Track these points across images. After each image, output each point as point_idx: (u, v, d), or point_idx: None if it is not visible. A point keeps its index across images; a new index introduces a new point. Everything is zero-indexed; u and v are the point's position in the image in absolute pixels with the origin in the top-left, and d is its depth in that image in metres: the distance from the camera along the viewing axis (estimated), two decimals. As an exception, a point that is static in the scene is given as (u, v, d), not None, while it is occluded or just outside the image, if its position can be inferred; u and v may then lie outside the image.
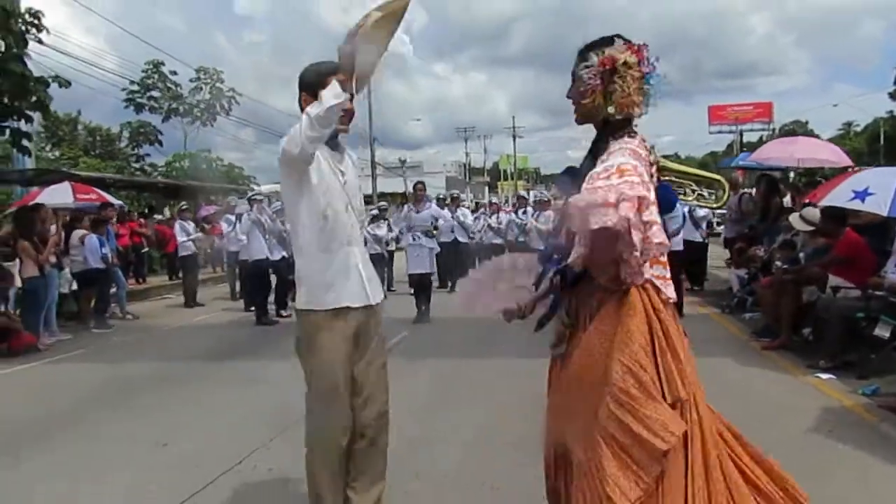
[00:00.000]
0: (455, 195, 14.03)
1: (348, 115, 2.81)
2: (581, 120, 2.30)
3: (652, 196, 2.01)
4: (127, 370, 7.16)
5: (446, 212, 12.69)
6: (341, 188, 2.86)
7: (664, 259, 2.19)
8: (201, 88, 31.73)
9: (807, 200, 8.09)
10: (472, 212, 14.54)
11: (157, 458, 4.32)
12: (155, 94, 30.71)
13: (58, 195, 11.51)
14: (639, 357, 2.00)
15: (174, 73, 30.63)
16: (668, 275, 2.18)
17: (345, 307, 2.82)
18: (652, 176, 2.20)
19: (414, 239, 9.37)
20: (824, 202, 6.83)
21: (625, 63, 2.14)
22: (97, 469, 4.14)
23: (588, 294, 2.20)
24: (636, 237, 1.90)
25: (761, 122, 53.10)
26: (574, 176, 2.25)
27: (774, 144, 11.86)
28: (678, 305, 8.85)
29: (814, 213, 7.10)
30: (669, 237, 7.66)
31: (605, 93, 2.17)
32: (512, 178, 72.84)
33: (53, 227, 9.49)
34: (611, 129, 2.21)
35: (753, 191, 10.78)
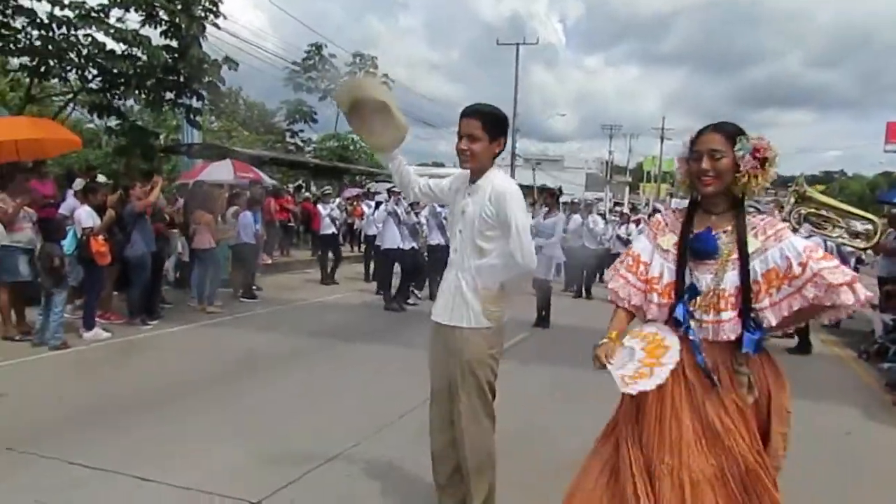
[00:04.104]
0: (589, 202, 14.01)
1: (466, 155, 3.09)
2: (715, 190, 2.46)
3: None
4: (264, 342, 7.87)
5: (577, 217, 12.74)
6: (460, 217, 3.15)
7: None
8: (356, 73, 33.16)
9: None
10: (603, 217, 14.46)
11: (286, 427, 4.85)
12: (313, 75, 32.41)
13: (220, 171, 12.63)
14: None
15: (333, 55, 32.18)
16: None
17: (433, 319, 3.24)
18: None
19: (537, 246, 9.47)
20: None
21: (775, 156, 2.41)
22: (229, 432, 4.69)
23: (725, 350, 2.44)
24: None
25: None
26: (710, 242, 2.46)
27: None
28: (806, 343, 8.44)
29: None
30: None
31: (752, 177, 2.40)
32: (655, 181, 70.55)
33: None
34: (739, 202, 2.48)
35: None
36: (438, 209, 11.66)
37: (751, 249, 2.39)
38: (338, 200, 14.23)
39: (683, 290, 2.45)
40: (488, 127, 3.04)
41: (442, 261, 11.89)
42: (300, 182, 23.11)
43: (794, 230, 9.39)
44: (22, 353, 6.83)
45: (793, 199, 11.35)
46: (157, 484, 3.79)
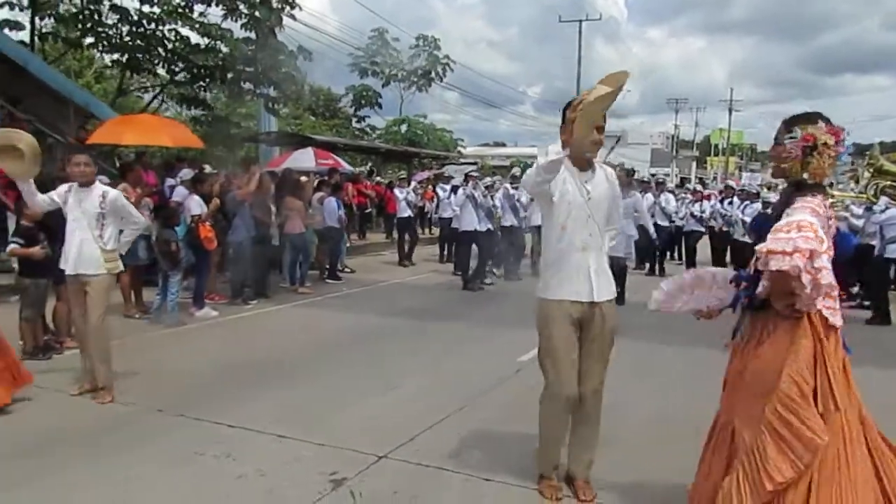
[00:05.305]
0: (661, 180, 14.14)
1: (598, 144, 3.38)
2: (776, 175, 2.85)
3: (824, 247, 2.52)
4: (356, 320, 8.45)
5: (649, 196, 12.93)
6: (584, 203, 3.42)
7: (835, 294, 2.71)
8: (419, 55, 33.51)
9: None
10: (673, 193, 14.55)
11: (395, 393, 5.40)
12: (377, 59, 32.88)
13: (303, 159, 13.29)
14: (803, 373, 2.59)
15: (396, 39, 32.56)
16: (838, 306, 2.72)
17: (567, 300, 3.44)
18: (829, 227, 2.70)
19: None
20: None
21: (825, 143, 2.67)
22: (345, 398, 5.22)
23: (766, 315, 2.78)
24: (805, 279, 2.46)
25: None
26: (766, 221, 2.78)
27: None
28: (884, 314, 8.57)
29: None
30: (886, 243, 7.73)
31: (803, 162, 2.71)
32: (723, 154, 68.90)
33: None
34: (801, 188, 2.74)
35: None
36: (511, 192, 12.06)
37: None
38: (413, 184, 14.74)
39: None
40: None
41: (515, 241, 12.39)
42: (371, 167, 23.73)
43: (872, 203, 9.45)
44: (141, 330, 7.55)
45: (867, 174, 11.27)
46: (294, 440, 4.33)
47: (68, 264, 5.11)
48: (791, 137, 2.72)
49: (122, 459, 4.04)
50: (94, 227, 5.11)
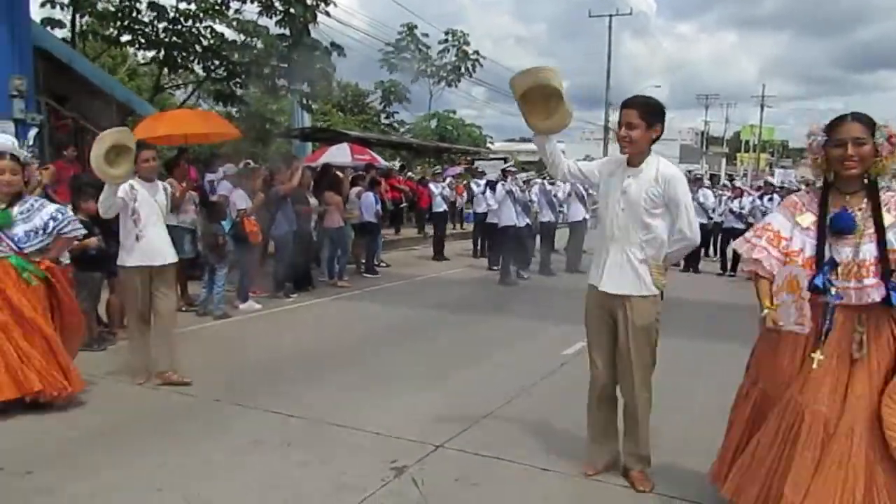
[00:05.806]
0: (699, 176, 14.02)
1: (622, 139, 3.47)
2: (858, 173, 2.82)
3: None
4: (396, 313, 8.53)
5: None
6: (620, 196, 3.49)
7: None
8: (449, 50, 33.46)
9: None
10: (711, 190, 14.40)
11: (440, 388, 5.41)
12: (406, 55, 32.88)
13: (339, 155, 13.42)
14: None
15: (426, 35, 32.52)
16: None
17: (593, 284, 3.62)
18: None
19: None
20: None
21: None
22: (396, 389, 5.27)
23: (869, 310, 2.81)
24: None
25: None
26: (849, 221, 2.82)
27: None
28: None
29: None
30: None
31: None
32: (754, 150, 68.01)
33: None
34: (874, 186, 2.81)
35: None
36: (549, 187, 12.06)
37: (886, 223, 2.76)
38: (448, 179, 14.81)
39: (823, 263, 2.83)
40: (645, 115, 3.41)
41: (550, 236, 12.39)
42: (402, 162, 23.84)
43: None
44: (189, 322, 7.65)
45: (910, 169, 11.16)
46: (351, 429, 4.40)
47: (155, 256, 5.25)
48: (882, 136, 2.73)
49: (188, 448, 4.13)
50: (163, 218, 5.35)
